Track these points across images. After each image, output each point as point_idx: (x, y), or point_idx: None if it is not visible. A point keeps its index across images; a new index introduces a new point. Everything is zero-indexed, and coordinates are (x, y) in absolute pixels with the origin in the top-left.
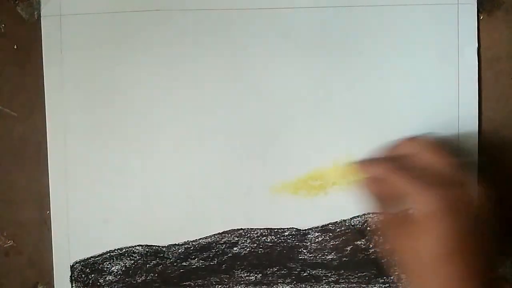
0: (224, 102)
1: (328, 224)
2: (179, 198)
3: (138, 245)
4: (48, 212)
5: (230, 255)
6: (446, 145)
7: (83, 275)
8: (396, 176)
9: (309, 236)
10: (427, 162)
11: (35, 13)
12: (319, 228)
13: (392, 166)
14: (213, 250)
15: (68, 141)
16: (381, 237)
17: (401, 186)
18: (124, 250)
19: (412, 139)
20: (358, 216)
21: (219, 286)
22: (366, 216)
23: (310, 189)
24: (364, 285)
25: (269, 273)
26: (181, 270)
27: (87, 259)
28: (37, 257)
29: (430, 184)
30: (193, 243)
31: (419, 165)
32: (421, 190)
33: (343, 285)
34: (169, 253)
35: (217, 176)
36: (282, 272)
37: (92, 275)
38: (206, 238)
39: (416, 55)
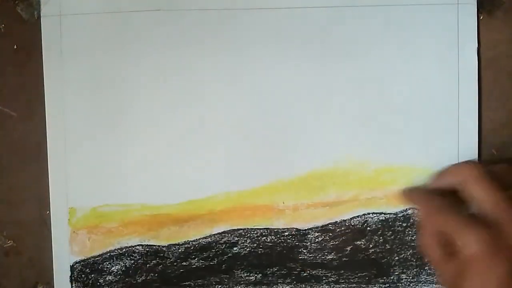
0: (224, 103)
1: (328, 224)
2: (180, 198)
3: (138, 245)
4: (48, 212)
5: (230, 255)
6: (496, 176)
7: (83, 275)
8: (440, 215)
9: (309, 236)
10: (474, 195)
11: (35, 13)
12: (319, 228)
13: (436, 203)
14: (213, 250)
15: (68, 141)
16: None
17: (446, 226)
18: (124, 250)
19: (460, 168)
20: (358, 216)
21: (219, 286)
22: (366, 216)
23: (310, 189)
24: (364, 285)
25: (269, 273)
26: (181, 270)
27: (87, 259)
28: (37, 257)
29: (476, 223)
30: (193, 243)
31: (466, 199)
32: (466, 229)
33: (343, 285)
34: (169, 253)
35: (217, 176)
36: (282, 272)
37: (92, 275)
38: (206, 238)
39: (416, 55)
